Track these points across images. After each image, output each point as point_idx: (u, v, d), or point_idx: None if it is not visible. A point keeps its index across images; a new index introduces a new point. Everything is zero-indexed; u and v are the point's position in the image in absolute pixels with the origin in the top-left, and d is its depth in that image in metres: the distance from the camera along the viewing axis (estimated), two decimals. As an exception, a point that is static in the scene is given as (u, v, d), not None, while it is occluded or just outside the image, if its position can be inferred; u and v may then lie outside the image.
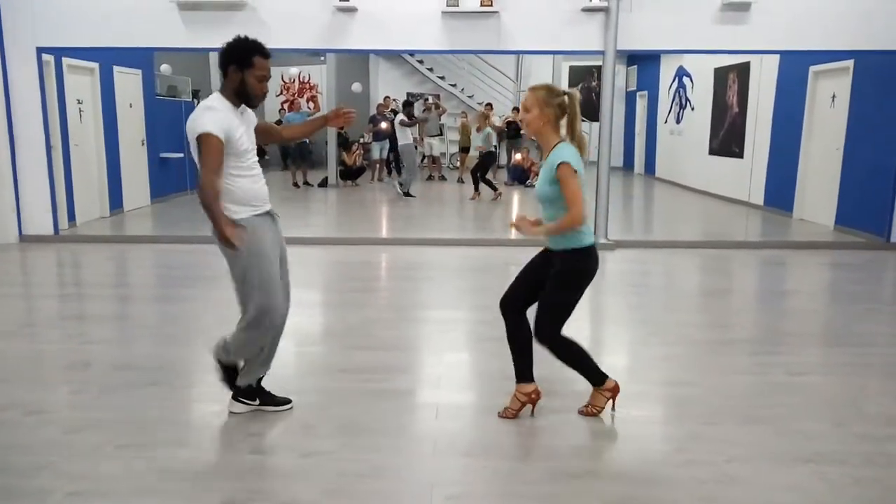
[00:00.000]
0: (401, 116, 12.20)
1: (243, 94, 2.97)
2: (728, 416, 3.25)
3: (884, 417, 3.27)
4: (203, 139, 2.82)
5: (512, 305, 3.15)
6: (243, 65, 2.93)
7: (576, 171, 2.88)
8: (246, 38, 2.99)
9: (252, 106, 3.06)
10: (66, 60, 8.15)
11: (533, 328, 3.06)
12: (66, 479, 2.65)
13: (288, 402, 3.30)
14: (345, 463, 2.80)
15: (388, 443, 2.98)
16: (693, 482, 2.67)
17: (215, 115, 2.87)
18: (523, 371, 3.19)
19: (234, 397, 3.25)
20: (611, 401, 3.22)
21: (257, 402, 3.25)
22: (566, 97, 2.97)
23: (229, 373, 3.26)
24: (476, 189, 11.67)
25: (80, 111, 8.68)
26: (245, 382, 3.21)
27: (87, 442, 2.95)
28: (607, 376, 3.19)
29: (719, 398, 3.48)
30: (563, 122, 2.99)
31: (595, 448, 2.99)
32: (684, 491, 2.61)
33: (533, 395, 3.18)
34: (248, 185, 3.01)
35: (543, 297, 3.04)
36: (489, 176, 11.72)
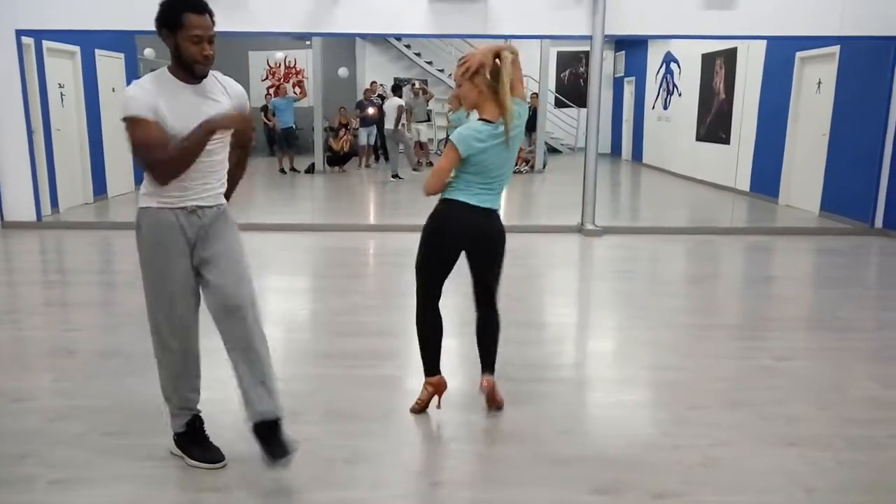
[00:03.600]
0: (396, 102, 12.13)
1: (181, 62, 2.43)
2: (714, 401, 3.27)
3: (868, 401, 3.31)
4: (126, 124, 2.38)
5: (476, 299, 3.24)
6: (173, 26, 2.40)
7: (456, 148, 2.77)
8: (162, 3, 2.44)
9: (195, 74, 2.45)
10: (46, 44, 8.01)
11: (486, 284, 3.16)
12: (50, 467, 2.62)
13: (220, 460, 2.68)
14: (331, 449, 2.79)
15: (374, 429, 2.97)
16: (679, 466, 2.69)
17: (131, 91, 2.41)
18: (485, 363, 3.16)
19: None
20: (436, 397, 3.10)
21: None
22: (497, 60, 2.77)
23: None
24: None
25: (62, 95, 8.54)
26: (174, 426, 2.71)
27: (72, 430, 2.92)
28: (439, 371, 3.09)
29: (705, 382, 3.50)
30: (500, 87, 2.76)
31: (581, 433, 3.00)
32: (670, 475, 2.63)
33: (484, 383, 3.09)
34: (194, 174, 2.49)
35: (500, 261, 3.12)
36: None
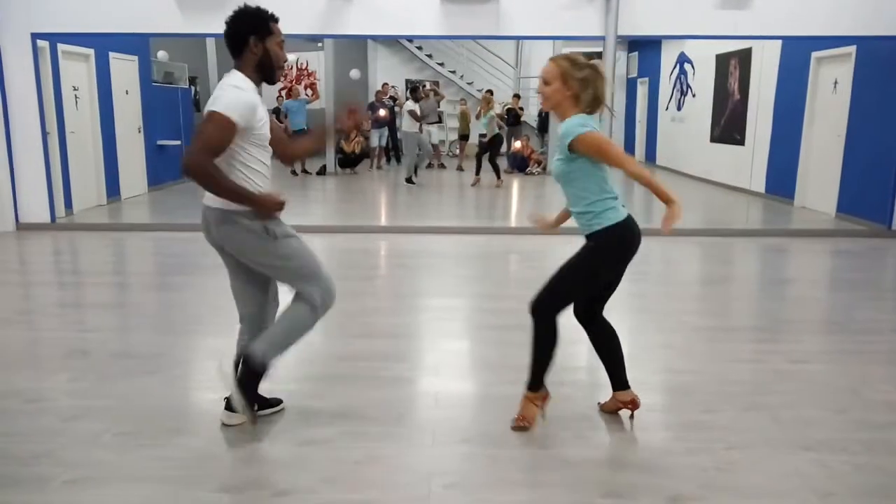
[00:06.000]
0: (410, 106, 12.07)
1: (267, 67, 2.70)
2: (728, 404, 3.24)
3: (884, 404, 3.26)
4: (213, 116, 2.53)
5: (580, 315, 2.97)
6: (263, 34, 2.67)
7: (598, 131, 2.62)
8: (255, 7, 2.72)
9: (272, 80, 2.77)
10: (61, 46, 8.08)
11: (534, 298, 2.86)
12: (65, 467, 2.64)
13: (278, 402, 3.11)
14: (343, 451, 2.79)
15: (386, 431, 2.97)
16: (693, 470, 2.66)
17: (239, 96, 2.58)
18: (615, 378, 3.01)
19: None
20: (541, 409, 3.00)
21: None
22: (590, 70, 2.68)
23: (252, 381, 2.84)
24: (477, 173, 11.67)
25: (76, 98, 8.62)
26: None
27: (86, 430, 2.94)
28: (541, 385, 2.96)
29: (719, 386, 3.46)
30: (586, 97, 2.69)
31: (594, 436, 2.98)
32: (684, 479, 2.60)
33: (629, 405, 3.01)
34: (262, 182, 2.75)
35: (562, 268, 2.83)
36: (494, 160, 11.73)
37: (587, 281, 2.85)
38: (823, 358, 3.92)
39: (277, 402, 3.14)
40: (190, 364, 3.81)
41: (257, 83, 2.71)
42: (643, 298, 5.22)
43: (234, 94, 2.59)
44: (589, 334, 3.02)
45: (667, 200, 2.61)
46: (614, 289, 2.96)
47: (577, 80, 2.68)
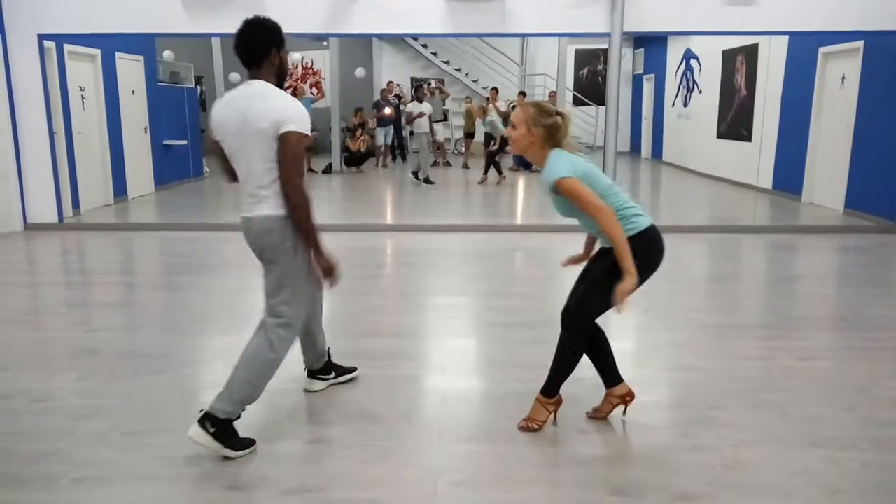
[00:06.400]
0: (413, 107, 12.02)
1: (282, 76, 2.82)
2: (736, 401, 3.23)
3: (893, 402, 3.24)
4: (299, 138, 2.61)
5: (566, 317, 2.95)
6: (282, 44, 2.81)
7: (578, 179, 2.64)
8: (269, 19, 2.83)
9: (281, 87, 2.83)
10: (67, 47, 8.12)
11: (566, 305, 2.88)
12: (72, 466, 2.65)
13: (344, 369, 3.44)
14: (350, 449, 2.79)
15: (393, 429, 2.97)
16: (701, 467, 2.65)
17: (302, 110, 2.65)
18: (610, 374, 3.03)
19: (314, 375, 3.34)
20: (553, 415, 3.00)
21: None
22: (558, 118, 2.74)
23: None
24: (485, 172, 11.69)
25: (83, 98, 8.65)
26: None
27: (93, 429, 2.95)
28: (556, 392, 2.95)
29: (727, 383, 3.45)
30: (552, 143, 2.76)
31: (602, 433, 2.97)
32: (692, 476, 2.59)
33: (627, 397, 3.04)
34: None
35: (591, 279, 2.86)
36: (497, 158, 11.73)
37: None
38: (831, 355, 3.90)
39: (353, 369, 3.49)
40: (197, 363, 3.82)
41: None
42: (650, 296, 5.20)
43: (298, 109, 2.66)
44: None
45: (625, 269, 2.63)
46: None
47: (543, 128, 2.74)
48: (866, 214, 7.99)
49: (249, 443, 2.79)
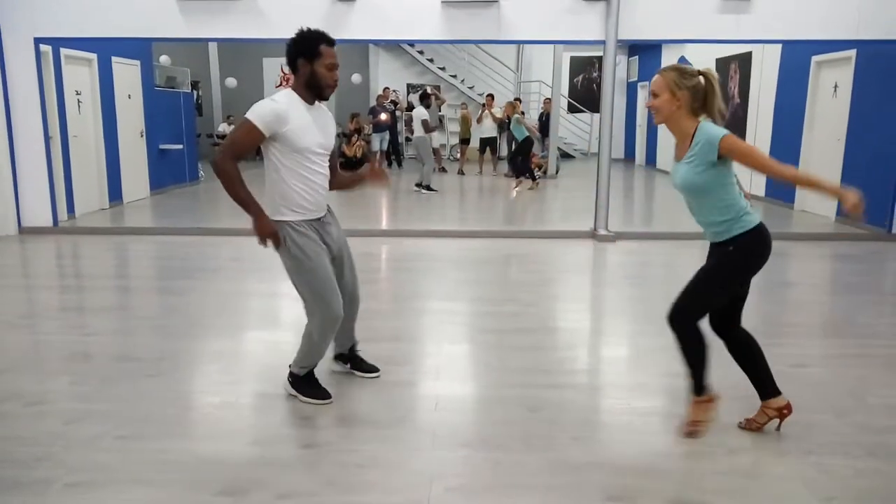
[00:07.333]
0: (422, 115, 11.91)
1: (315, 86, 2.97)
2: (729, 408, 3.23)
3: (885, 408, 3.26)
4: (243, 122, 2.91)
5: (717, 326, 2.90)
6: (311, 56, 2.94)
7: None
8: (309, 29, 3.00)
9: (324, 97, 3.06)
10: (63, 51, 8.12)
11: (672, 307, 2.80)
12: (66, 470, 2.64)
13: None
14: (344, 454, 2.79)
15: (387, 434, 2.97)
16: (694, 474, 2.67)
17: (266, 105, 2.92)
18: (763, 386, 2.94)
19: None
20: (713, 411, 2.88)
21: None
22: (701, 78, 2.66)
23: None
24: (532, 178, 11.62)
25: (79, 102, 8.65)
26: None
27: (87, 433, 2.94)
28: (704, 388, 2.85)
29: (720, 390, 3.44)
30: (697, 105, 2.66)
31: (596, 439, 2.98)
32: (685, 482, 2.61)
33: (784, 410, 2.94)
34: (303, 189, 3.03)
35: (696, 276, 2.77)
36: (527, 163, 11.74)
37: (725, 285, 2.78)
38: (824, 362, 3.92)
39: (375, 368, 3.58)
40: (192, 367, 3.81)
41: (309, 99, 3.00)
42: (643, 302, 5.23)
43: (263, 103, 2.93)
44: (727, 344, 2.95)
45: (832, 193, 2.59)
46: (745, 296, 2.91)
47: (688, 90, 2.65)
48: (858, 222, 8.04)
49: (323, 394, 3.23)
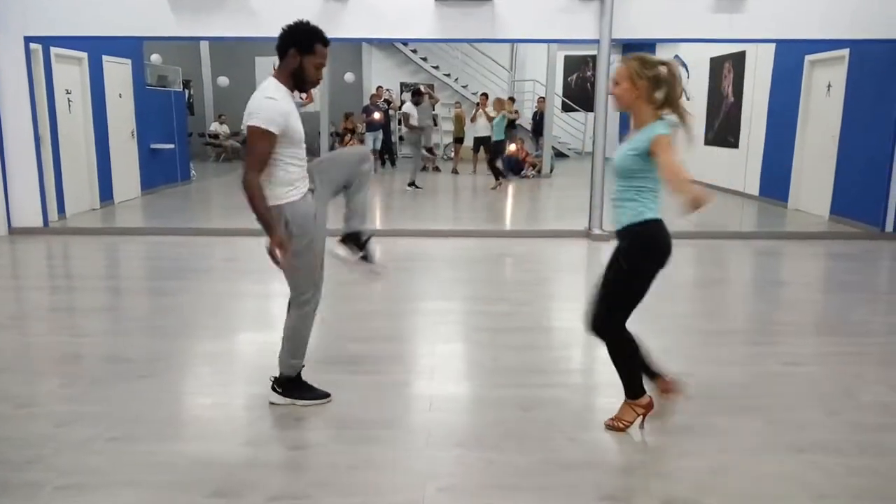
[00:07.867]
0: (406, 109, 11.94)
1: (299, 79, 2.96)
2: (722, 407, 3.24)
3: (878, 406, 3.27)
4: (256, 132, 2.80)
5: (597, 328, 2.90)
6: (304, 50, 2.92)
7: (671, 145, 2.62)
8: (308, 23, 2.98)
9: (303, 91, 3.06)
10: (54, 50, 8.05)
11: (594, 314, 2.84)
12: (57, 473, 2.62)
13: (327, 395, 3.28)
14: (337, 455, 2.78)
15: (381, 434, 2.96)
16: (687, 472, 2.66)
17: (273, 107, 2.82)
18: (635, 386, 2.95)
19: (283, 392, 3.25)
20: (641, 417, 2.97)
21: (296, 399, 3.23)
22: (662, 68, 2.68)
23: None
24: (497, 177, 11.67)
25: (69, 101, 8.58)
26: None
27: (78, 435, 2.92)
28: (644, 391, 2.94)
29: (713, 388, 3.46)
30: (660, 95, 2.68)
31: (589, 439, 2.97)
32: (679, 481, 2.60)
33: (649, 408, 2.97)
34: (298, 172, 3.00)
35: (611, 287, 2.81)
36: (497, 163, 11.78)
37: (634, 282, 2.80)
38: (817, 360, 3.93)
39: (325, 394, 3.34)
40: (183, 368, 3.79)
41: (290, 87, 2.97)
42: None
43: (264, 104, 2.82)
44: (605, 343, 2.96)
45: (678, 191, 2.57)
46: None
47: (647, 80, 2.66)
48: (852, 221, 8.07)
49: (321, 393, 3.22)
